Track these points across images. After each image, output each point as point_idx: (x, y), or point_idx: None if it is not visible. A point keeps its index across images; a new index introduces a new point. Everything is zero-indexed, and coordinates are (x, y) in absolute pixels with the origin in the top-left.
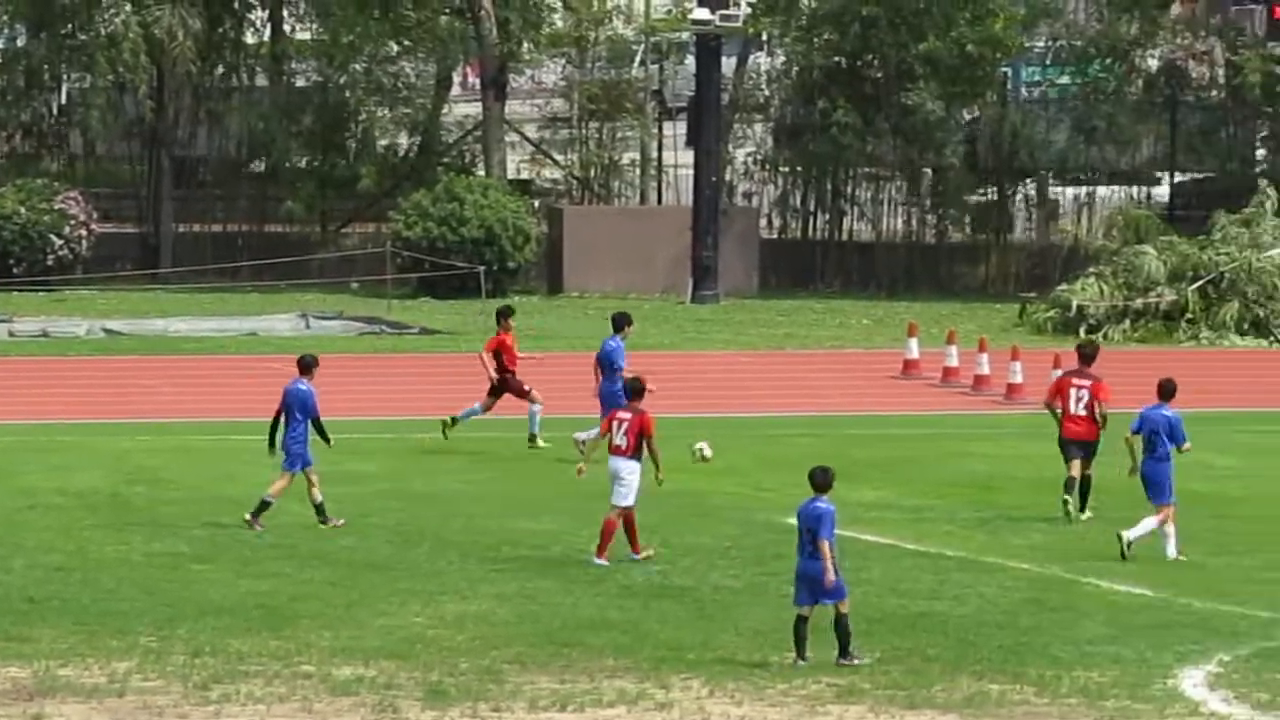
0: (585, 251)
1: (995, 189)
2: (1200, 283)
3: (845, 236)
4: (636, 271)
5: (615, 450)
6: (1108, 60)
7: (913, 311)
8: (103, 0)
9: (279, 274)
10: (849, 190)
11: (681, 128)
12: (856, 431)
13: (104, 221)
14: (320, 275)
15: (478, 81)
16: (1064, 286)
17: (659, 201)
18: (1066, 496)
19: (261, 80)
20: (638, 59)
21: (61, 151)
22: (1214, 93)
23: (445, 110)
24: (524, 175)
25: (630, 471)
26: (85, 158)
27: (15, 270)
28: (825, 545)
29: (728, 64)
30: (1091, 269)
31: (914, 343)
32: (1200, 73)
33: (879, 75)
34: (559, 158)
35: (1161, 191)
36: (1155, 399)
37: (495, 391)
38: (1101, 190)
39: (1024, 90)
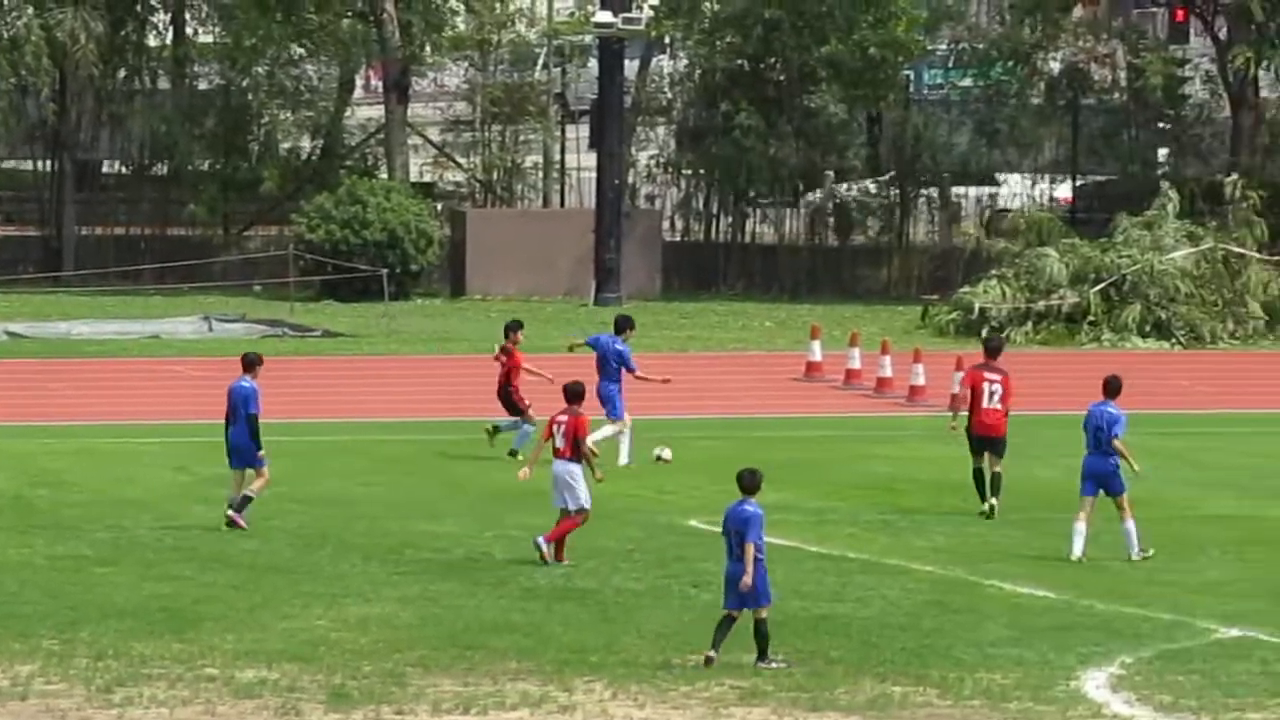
0: (488, 254)
1: (898, 191)
2: (1102, 285)
3: (748, 239)
4: (539, 274)
5: (558, 454)
6: (1010, 63)
7: (815, 314)
8: (4, 3)
9: (181, 277)
10: (751, 193)
11: (584, 130)
12: (759, 434)
13: (6, 225)
14: (223, 278)
15: (380, 84)
16: (966, 289)
17: (562, 204)
18: (993, 501)
19: (164, 83)
20: (540, 62)
21: None
22: (1116, 95)
23: (348, 113)
24: (427, 178)
25: (575, 476)
26: None
27: None
28: (750, 548)
29: (630, 67)
30: (994, 271)
31: (817, 345)
32: (1102, 75)
33: (781, 78)
34: (462, 160)
35: (1064, 193)
36: (1100, 395)
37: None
38: (1003, 192)
39: (926, 93)
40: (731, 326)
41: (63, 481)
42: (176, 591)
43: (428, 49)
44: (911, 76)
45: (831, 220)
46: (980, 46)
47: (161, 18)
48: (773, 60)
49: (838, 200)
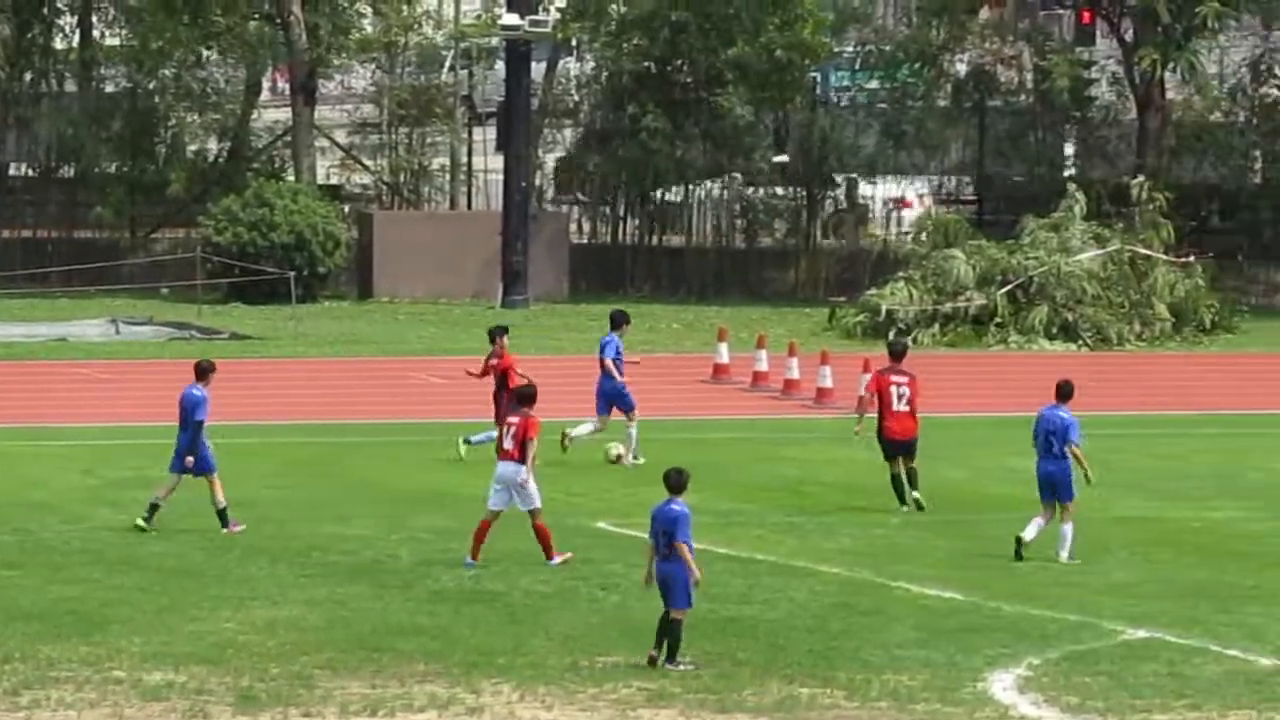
0: (395, 256)
1: (804, 193)
2: (1009, 287)
3: (655, 241)
4: (447, 276)
5: (505, 455)
6: (916, 65)
7: (723, 316)
8: None
9: (89, 279)
10: (658, 195)
11: (491, 133)
12: (667, 436)
13: None
14: (130, 281)
15: (287, 87)
16: (873, 291)
17: (469, 206)
18: (916, 494)
19: (71, 86)
20: (447, 64)
21: None
22: (1022, 97)
23: (255, 115)
24: (334, 180)
25: (524, 477)
26: None
27: None
28: (684, 548)
29: (537, 69)
30: (901, 273)
31: (724, 347)
32: (1009, 77)
33: (688, 80)
34: (369, 163)
35: (970, 195)
36: (1053, 399)
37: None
38: (910, 194)
39: (833, 95)
40: (638, 329)
41: None
42: (84, 594)
43: (334, 51)
44: (818, 79)
45: (740, 223)
46: (887, 48)
47: (68, 20)
48: (680, 62)
49: (744, 202)
